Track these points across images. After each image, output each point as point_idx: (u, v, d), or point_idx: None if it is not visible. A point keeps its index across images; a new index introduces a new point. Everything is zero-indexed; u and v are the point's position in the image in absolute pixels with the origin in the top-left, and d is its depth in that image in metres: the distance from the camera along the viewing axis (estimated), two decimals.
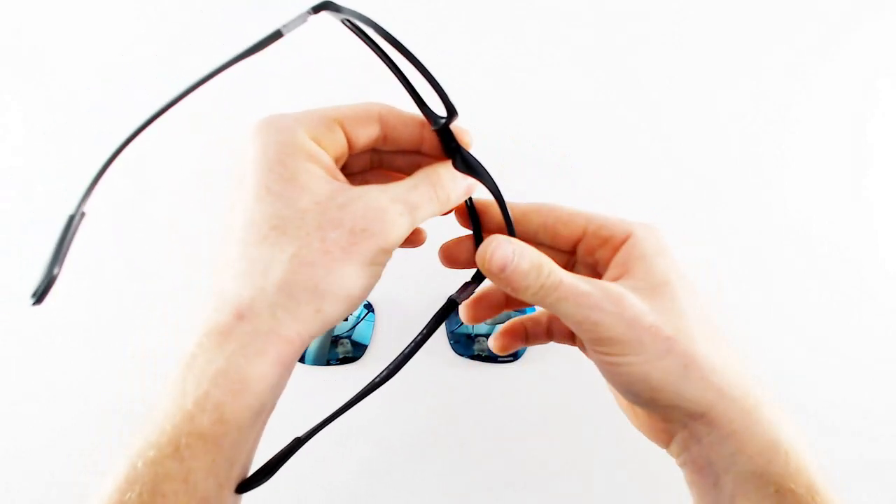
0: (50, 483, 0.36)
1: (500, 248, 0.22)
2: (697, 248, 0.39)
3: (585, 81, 0.40)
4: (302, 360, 0.38)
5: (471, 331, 0.37)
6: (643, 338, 0.22)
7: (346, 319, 0.37)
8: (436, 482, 0.38)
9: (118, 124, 0.40)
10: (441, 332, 0.38)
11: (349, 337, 0.37)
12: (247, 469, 0.22)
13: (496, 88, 0.40)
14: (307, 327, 0.21)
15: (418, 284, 0.38)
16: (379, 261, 0.22)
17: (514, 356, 0.38)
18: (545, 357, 0.38)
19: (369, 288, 0.23)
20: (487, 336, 0.38)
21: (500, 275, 0.22)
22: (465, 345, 0.37)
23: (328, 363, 0.37)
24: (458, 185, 0.24)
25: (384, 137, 0.24)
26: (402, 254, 0.38)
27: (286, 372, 0.22)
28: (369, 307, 0.38)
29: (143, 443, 0.20)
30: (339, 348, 0.37)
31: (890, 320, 0.39)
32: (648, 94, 0.40)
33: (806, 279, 0.39)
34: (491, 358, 0.38)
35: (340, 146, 0.23)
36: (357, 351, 0.37)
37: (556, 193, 0.38)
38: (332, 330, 0.38)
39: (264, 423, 0.23)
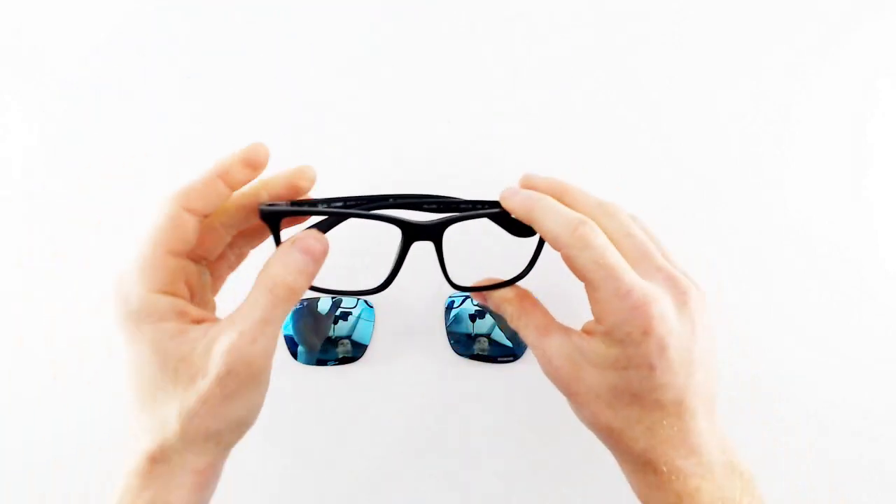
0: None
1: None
2: (697, 248, 0.39)
3: (585, 81, 0.40)
4: (295, 357, 0.38)
5: (471, 331, 0.37)
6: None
7: (345, 319, 0.37)
8: (435, 482, 0.38)
9: (118, 124, 0.40)
10: (441, 332, 0.38)
11: (349, 337, 0.37)
12: None
13: (495, 88, 0.40)
14: (214, 456, 0.25)
15: (417, 285, 0.38)
16: (253, 385, 0.24)
17: (514, 356, 0.38)
18: None
19: (257, 408, 0.25)
20: (488, 336, 0.38)
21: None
22: (465, 345, 0.37)
23: (327, 363, 0.37)
24: (293, 272, 0.25)
25: (207, 218, 0.25)
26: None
27: (207, 491, 0.25)
28: (369, 307, 0.38)
29: None
30: (338, 348, 0.37)
31: (890, 320, 0.39)
32: (648, 94, 0.40)
33: (806, 279, 0.39)
34: (491, 358, 0.38)
35: (183, 270, 0.25)
36: (357, 351, 0.37)
37: None
38: (327, 330, 0.37)
39: None
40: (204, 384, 0.23)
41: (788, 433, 0.38)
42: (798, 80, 0.40)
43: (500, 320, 0.37)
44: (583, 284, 0.26)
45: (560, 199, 0.27)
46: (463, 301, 0.38)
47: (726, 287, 0.39)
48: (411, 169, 0.39)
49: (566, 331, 0.27)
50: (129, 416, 0.25)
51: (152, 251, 0.24)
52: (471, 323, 0.37)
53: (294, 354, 0.37)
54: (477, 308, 0.38)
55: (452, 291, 0.38)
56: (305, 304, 0.37)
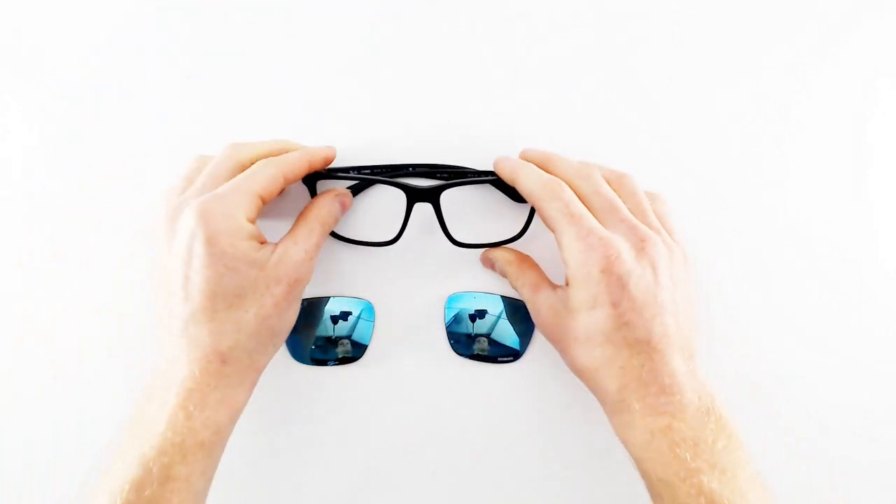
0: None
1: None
2: (697, 248, 0.39)
3: (585, 81, 0.40)
4: (298, 358, 0.38)
5: (471, 331, 0.37)
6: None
7: (345, 319, 0.37)
8: (434, 482, 0.38)
9: (118, 124, 0.40)
10: (441, 332, 0.38)
11: (349, 337, 0.37)
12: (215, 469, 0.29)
13: (495, 89, 0.40)
14: (270, 356, 0.31)
15: (417, 285, 0.38)
16: (300, 297, 0.32)
17: (515, 356, 0.38)
18: (545, 357, 0.38)
19: (295, 318, 0.32)
20: (487, 336, 0.38)
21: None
22: (465, 344, 0.37)
23: (327, 363, 0.37)
24: (334, 217, 0.34)
25: (284, 184, 0.32)
26: (400, 255, 0.38)
27: (250, 394, 0.30)
28: (369, 307, 0.38)
29: (155, 451, 0.26)
30: (338, 348, 0.37)
31: (890, 320, 0.39)
32: (648, 94, 0.40)
33: (806, 279, 0.39)
34: (491, 358, 0.38)
35: (259, 212, 0.31)
36: (357, 351, 0.37)
37: None
38: (319, 328, 0.37)
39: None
40: (278, 290, 0.29)
41: (788, 433, 0.38)
42: (798, 80, 0.40)
43: (506, 307, 0.37)
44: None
45: (545, 166, 0.32)
46: (463, 300, 0.38)
47: (726, 287, 0.39)
48: (431, 142, 0.40)
49: (553, 286, 0.32)
50: (190, 329, 0.28)
51: (250, 192, 0.29)
52: (471, 323, 0.37)
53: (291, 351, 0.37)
54: (477, 308, 0.38)
55: (452, 291, 0.38)
56: (305, 303, 0.37)
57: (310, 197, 0.36)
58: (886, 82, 0.40)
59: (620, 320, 0.27)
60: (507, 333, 0.37)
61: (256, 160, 0.32)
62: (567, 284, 0.30)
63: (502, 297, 0.38)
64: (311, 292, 0.38)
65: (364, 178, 0.36)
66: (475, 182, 0.35)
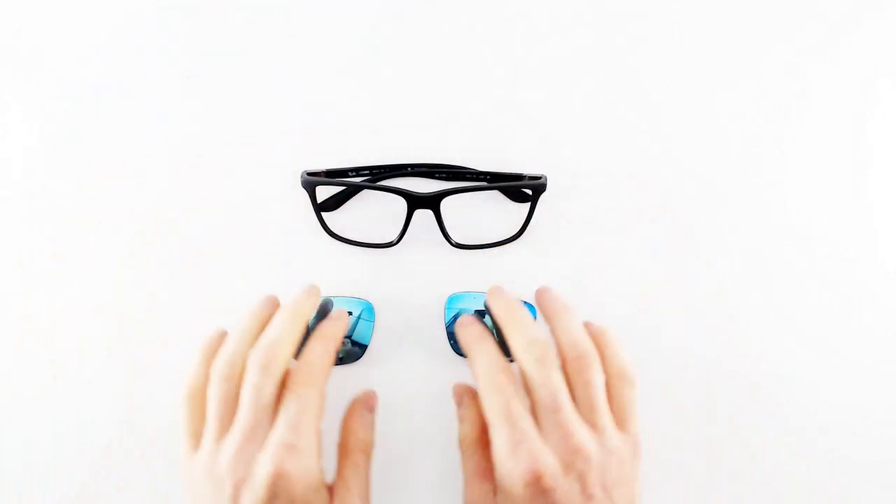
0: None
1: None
2: (698, 248, 0.39)
3: (584, 81, 0.40)
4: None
5: None
6: None
7: None
8: (435, 482, 0.38)
9: (118, 124, 0.40)
10: (441, 332, 0.38)
11: (349, 337, 0.37)
12: None
13: (495, 89, 0.40)
14: None
15: (417, 285, 0.38)
16: None
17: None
18: None
19: None
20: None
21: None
22: None
23: None
24: (369, 429, 0.32)
25: None
26: (400, 255, 0.38)
27: None
28: (369, 307, 0.38)
29: None
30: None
31: (890, 320, 0.39)
32: (648, 94, 0.40)
33: (806, 279, 0.39)
34: None
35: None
36: (357, 351, 0.37)
37: (555, 196, 0.38)
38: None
39: None
40: None
41: (789, 433, 0.38)
42: (798, 80, 0.40)
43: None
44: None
45: (507, 334, 0.30)
46: (463, 300, 0.38)
47: (727, 287, 0.39)
48: (430, 142, 0.40)
49: (495, 487, 0.28)
50: None
51: (313, 429, 0.27)
52: None
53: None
54: (477, 308, 0.38)
55: (453, 291, 0.38)
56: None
57: (307, 197, 0.36)
58: (886, 82, 0.40)
59: None
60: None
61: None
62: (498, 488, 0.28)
63: None
64: None
65: (364, 185, 0.36)
66: (475, 189, 0.35)
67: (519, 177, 0.38)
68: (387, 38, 0.40)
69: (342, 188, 0.38)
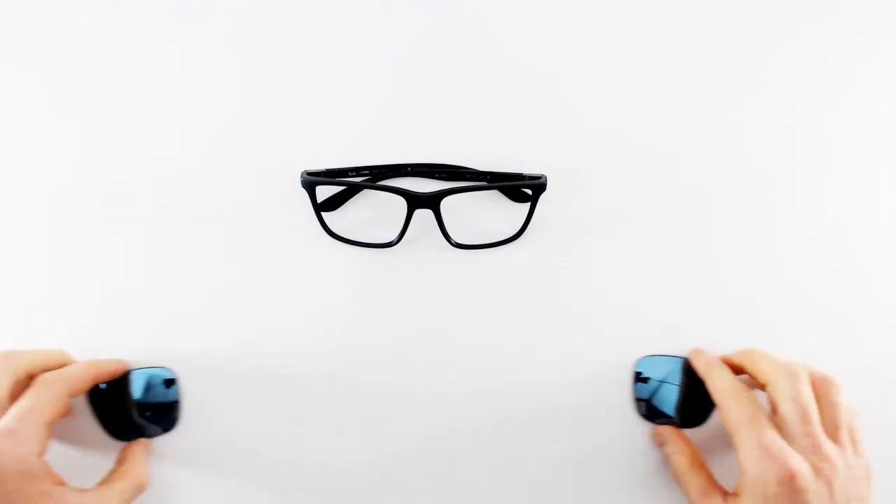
0: None
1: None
2: (700, 247, 0.39)
3: (585, 80, 0.40)
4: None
5: None
6: None
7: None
8: (435, 483, 0.38)
9: (118, 123, 0.40)
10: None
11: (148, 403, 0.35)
12: None
13: (494, 87, 0.40)
14: None
15: (417, 284, 0.38)
16: None
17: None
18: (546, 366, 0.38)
19: None
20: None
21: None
22: None
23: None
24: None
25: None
26: (400, 255, 0.38)
27: None
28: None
29: None
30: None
31: (890, 320, 0.39)
32: (648, 94, 0.40)
33: (807, 279, 0.39)
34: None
35: (49, 439, 0.29)
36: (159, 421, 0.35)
37: (555, 196, 0.38)
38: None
39: None
40: None
41: None
42: (798, 79, 0.40)
43: None
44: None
45: (746, 363, 0.33)
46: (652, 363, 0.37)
47: (727, 286, 0.39)
48: (430, 141, 0.40)
49: (724, 494, 0.31)
50: None
51: (40, 422, 0.28)
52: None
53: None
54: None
55: (642, 355, 0.37)
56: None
57: (307, 197, 0.35)
58: (887, 82, 0.40)
59: None
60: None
61: (33, 374, 0.31)
62: (736, 495, 0.30)
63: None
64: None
65: (364, 185, 0.36)
66: (475, 189, 0.35)
67: (519, 177, 0.38)
68: (386, 38, 0.40)
69: (342, 188, 0.38)
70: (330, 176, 0.37)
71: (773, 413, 0.30)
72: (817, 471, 0.28)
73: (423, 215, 0.36)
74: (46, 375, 0.30)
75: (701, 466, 0.33)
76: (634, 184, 0.39)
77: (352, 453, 0.37)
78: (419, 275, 0.38)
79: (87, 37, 0.39)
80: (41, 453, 0.28)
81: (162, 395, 0.36)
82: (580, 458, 0.37)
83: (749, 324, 0.38)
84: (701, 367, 0.34)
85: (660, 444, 0.36)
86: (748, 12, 0.40)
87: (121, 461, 0.33)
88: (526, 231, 0.37)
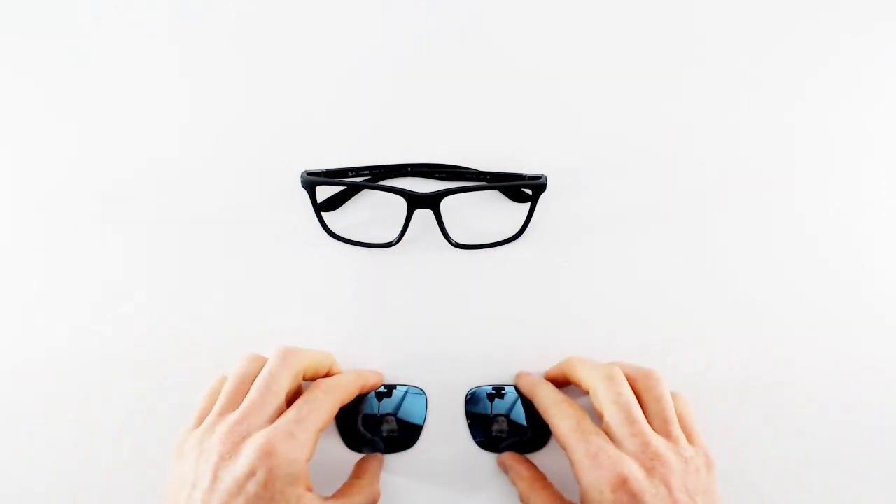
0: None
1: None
2: (699, 247, 0.39)
3: (585, 80, 0.40)
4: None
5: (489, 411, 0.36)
6: None
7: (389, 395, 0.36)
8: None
9: (118, 123, 0.40)
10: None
11: (395, 415, 0.35)
12: None
13: (494, 87, 0.40)
14: None
15: (417, 284, 0.38)
16: None
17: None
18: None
19: None
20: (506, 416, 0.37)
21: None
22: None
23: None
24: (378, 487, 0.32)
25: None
26: (400, 255, 0.38)
27: None
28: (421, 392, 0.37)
29: None
30: (383, 426, 0.36)
31: (890, 320, 0.39)
32: (648, 94, 0.40)
33: (807, 279, 0.39)
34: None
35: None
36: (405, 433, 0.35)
37: (555, 196, 0.38)
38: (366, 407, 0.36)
39: None
40: None
41: (790, 433, 0.38)
42: (798, 80, 0.40)
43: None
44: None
45: (565, 370, 0.34)
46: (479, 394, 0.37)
47: (728, 287, 0.39)
48: (429, 141, 0.40)
49: None
50: None
51: (315, 430, 0.28)
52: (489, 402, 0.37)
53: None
54: (494, 386, 0.37)
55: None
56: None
57: (307, 197, 0.36)
58: (887, 82, 0.40)
59: None
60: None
61: (308, 372, 0.31)
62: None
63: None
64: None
65: (364, 185, 0.36)
66: (475, 189, 0.35)
67: (519, 177, 0.38)
68: (387, 38, 0.40)
69: (342, 188, 0.38)
70: (330, 176, 0.37)
71: (601, 419, 0.30)
72: (650, 471, 0.27)
73: (423, 215, 0.36)
74: (324, 383, 0.31)
75: (544, 486, 0.32)
76: (634, 184, 0.39)
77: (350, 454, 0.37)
78: (419, 274, 0.38)
79: (87, 37, 0.39)
80: (308, 459, 0.28)
81: (410, 413, 0.36)
82: None
83: (749, 324, 0.38)
84: (525, 389, 0.34)
85: (504, 470, 0.35)
86: (748, 12, 0.40)
87: (358, 474, 0.33)
88: (526, 231, 0.37)
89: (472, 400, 0.36)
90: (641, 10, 0.40)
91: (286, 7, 0.39)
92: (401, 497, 0.37)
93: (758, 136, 0.40)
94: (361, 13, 0.39)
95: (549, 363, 0.38)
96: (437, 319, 0.38)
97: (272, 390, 0.29)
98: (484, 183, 0.37)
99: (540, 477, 0.33)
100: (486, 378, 0.38)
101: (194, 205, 0.38)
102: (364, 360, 0.38)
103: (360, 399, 0.35)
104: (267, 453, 0.26)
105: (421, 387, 0.37)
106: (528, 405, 0.36)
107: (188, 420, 0.30)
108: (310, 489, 0.28)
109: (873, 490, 0.37)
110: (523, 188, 0.37)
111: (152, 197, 0.38)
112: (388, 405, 0.36)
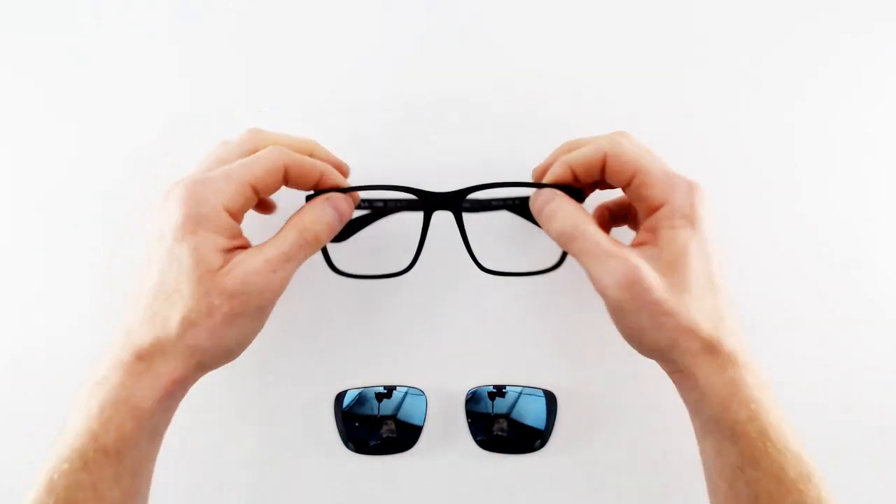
0: None
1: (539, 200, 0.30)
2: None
3: (589, 81, 0.40)
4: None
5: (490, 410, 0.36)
6: (643, 308, 0.26)
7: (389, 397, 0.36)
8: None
9: (118, 123, 0.40)
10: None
11: (395, 416, 0.36)
12: (149, 482, 0.27)
13: (507, 87, 0.40)
14: (190, 373, 0.26)
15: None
16: (256, 316, 0.27)
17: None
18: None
19: (246, 342, 0.28)
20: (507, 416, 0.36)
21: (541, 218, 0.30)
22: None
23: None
24: (323, 224, 0.28)
25: (286, 182, 0.29)
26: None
27: (174, 403, 0.27)
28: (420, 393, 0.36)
29: (57, 458, 0.24)
30: (382, 429, 0.36)
31: (890, 320, 0.39)
32: (657, 96, 0.40)
33: (807, 279, 0.39)
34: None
35: (250, 203, 0.28)
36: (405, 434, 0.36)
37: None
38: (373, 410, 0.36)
39: (159, 443, 0.27)
40: (218, 301, 0.25)
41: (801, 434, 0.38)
42: (798, 80, 0.40)
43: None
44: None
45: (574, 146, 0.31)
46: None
47: (729, 287, 0.39)
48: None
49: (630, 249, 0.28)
50: (129, 311, 0.26)
51: (241, 181, 0.27)
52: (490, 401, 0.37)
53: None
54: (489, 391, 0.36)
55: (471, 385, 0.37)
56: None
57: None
58: (887, 82, 0.40)
59: (710, 248, 0.28)
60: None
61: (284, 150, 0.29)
62: (654, 229, 0.28)
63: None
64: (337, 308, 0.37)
65: (370, 186, 0.30)
66: (500, 186, 0.29)
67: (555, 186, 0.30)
68: (386, 38, 0.40)
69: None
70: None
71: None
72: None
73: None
74: (275, 144, 0.29)
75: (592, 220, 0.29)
76: None
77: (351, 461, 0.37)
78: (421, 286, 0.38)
79: (87, 37, 0.39)
80: (233, 210, 0.26)
81: (410, 414, 0.36)
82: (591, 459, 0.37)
83: (748, 324, 0.38)
84: (538, 205, 0.30)
85: (540, 209, 0.30)
86: (748, 12, 0.40)
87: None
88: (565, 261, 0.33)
89: (472, 399, 0.36)
90: (641, 10, 0.40)
91: (286, 7, 0.39)
92: (401, 497, 0.37)
93: (758, 136, 0.40)
94: (361, 13, 0.39)
95: (549, 363, 0.38)
96: (437, 319, 0.38)
97: (221, 157, 0.29)
98: (513, 181, 0.30)
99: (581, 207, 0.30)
100: (486, 378, 0.37)
101: None
102: (364, 360, 0.38)
103: (361, 399, 0.35)
104: (181, 196, 0.26)
105: (420, 388, 0.36)
106: (529, 405, 0.36)
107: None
108: (236, 239, 0.27)
109: (873, 490, 0.38)
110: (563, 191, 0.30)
111: (152, 197, 0.38)
112: (387, 406, 0.36)
